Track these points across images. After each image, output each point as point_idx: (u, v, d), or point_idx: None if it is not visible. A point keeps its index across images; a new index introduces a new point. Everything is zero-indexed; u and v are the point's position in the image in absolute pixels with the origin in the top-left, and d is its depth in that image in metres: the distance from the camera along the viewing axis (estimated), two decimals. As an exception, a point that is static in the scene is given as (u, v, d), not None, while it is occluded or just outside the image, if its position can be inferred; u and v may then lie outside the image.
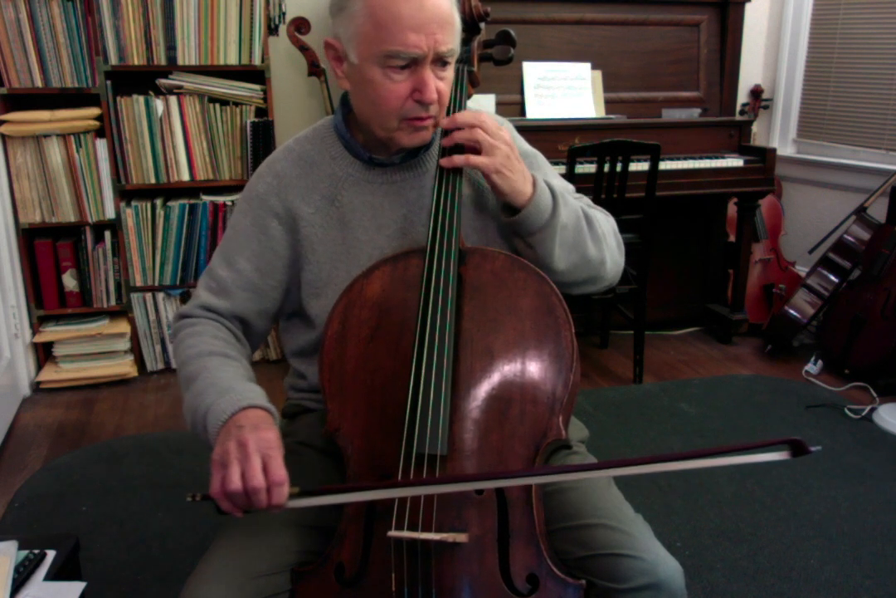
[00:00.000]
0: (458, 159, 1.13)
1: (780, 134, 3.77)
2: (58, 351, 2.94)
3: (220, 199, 2.98)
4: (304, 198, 1.22)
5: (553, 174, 1.33)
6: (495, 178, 1.13)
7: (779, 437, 0.87)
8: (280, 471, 0.94)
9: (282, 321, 1.33)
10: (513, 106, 3.02)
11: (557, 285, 1.13)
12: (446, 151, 1.16)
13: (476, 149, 1.14)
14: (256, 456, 0.94)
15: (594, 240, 1.20)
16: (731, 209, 3.39)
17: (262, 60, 2.91)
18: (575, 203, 1.21)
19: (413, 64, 1.09)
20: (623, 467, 0.94)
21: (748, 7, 3.24)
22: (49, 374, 2.92)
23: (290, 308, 1.28)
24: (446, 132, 1.17)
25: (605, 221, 1.26)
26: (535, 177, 1.17)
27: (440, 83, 1.12)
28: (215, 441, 1.00)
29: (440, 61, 1.11)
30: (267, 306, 1.25)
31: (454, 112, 1.20)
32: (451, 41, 1.10)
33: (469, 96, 1.27)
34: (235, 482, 0.93)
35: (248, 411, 1.02)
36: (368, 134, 1.21)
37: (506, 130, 1.17)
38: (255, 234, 1.22)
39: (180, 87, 2.87)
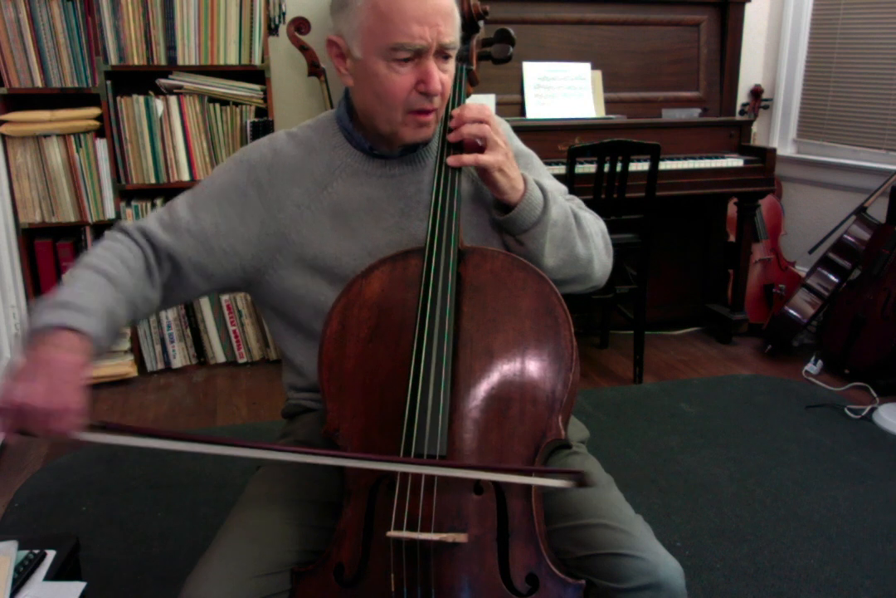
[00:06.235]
0: (468, 159, 1.13)
1: (779, 134, 3.77)
2: (58, 351, 2.93)
3: (220, 199, 2.98)
4: (295, 179, 1.22)
5: (547, 175, 1.34)
6: (497, 175, 1.14)
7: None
8: (74, 397, 0.90)
9: (273, 324, 1.29)
10: (513, 106, 3.02)
11: None
12: (451, 148, 1.16)
13: (477, 146, 1.14)
14: (50, 377, 0.90)
15: (582, 238, 1.22)
16: (731, 209, 3.39)
17: (262, 60, 2.91)
18: (564, 203, 1.23)
19: (417, 56, 1.10)
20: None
21: (748, 7, 3.24)
22: (49, 374, 2.91)
23: (239, 284, 1.24)
24: (448, 129, 1.17)
25: (594, 222, 1.28)
26: (524, 175, 1.18)
27: (443, 75, 1.13)
28: (24, 351, 0.95)
29: (442, 54, 1.12)
30: (206, 264, 1.18)
31: (454, 109, 1.21)
32: (453, 33, 1.12)
33: (468, 96, 1.27)
34: (17, 396, 0.88)
35: (70, 333, 0.96)
36: (371, 131, 1.21)
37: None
38: (228, 195, 1.20)
39: (180, 88, 2.87)
